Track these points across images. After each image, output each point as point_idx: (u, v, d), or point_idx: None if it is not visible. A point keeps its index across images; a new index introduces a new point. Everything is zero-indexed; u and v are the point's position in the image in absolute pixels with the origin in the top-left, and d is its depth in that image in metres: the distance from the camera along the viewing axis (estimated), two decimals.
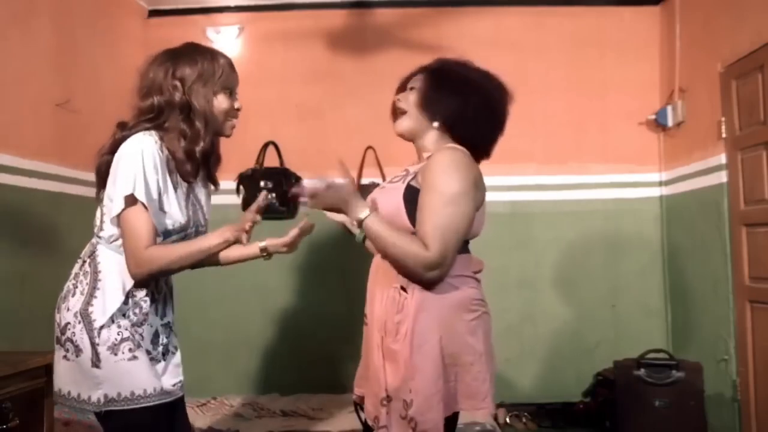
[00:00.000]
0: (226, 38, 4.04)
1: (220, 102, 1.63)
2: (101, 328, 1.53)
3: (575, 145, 3.98)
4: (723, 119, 3.25)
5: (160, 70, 1.60)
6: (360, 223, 1.59)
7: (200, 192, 1.75)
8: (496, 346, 1.69)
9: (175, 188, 1.61)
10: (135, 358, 1.56)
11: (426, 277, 1.54)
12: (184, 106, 1.58)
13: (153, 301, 1.62)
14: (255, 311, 3.92)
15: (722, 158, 3.28)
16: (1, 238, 2.68)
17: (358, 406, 1.74)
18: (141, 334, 1.58)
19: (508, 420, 3.65)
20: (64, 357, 1.57)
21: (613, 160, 3.95)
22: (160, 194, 1.55)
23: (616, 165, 3.95)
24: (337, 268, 3.87)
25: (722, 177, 3.28)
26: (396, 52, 3.81)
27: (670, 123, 3.71)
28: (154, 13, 3.98)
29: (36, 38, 2.95)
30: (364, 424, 1.73)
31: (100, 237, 1.60)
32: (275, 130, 3.96)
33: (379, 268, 1.68)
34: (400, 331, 1.56)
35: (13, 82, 2.77)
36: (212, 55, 1.65)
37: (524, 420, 3.66)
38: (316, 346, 3.88)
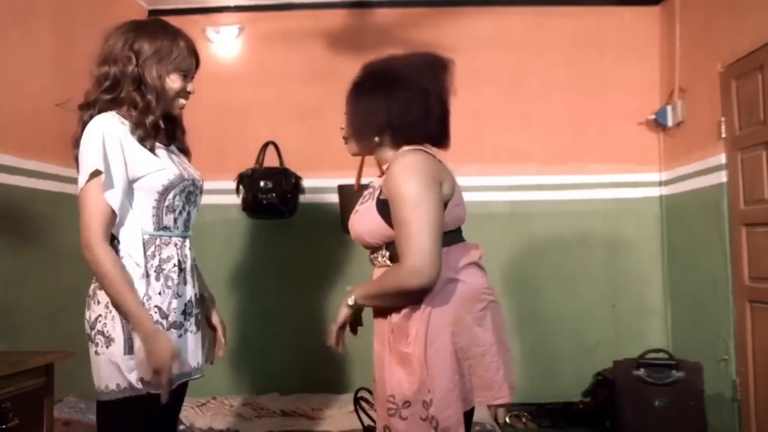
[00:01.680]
0: (226, 38, 4.05)
1: (173, 81, 1.66)
2: None
3: (575, 145, 3.98)
4: (723, 119, 3.25)
5: (120, 40, 1.63)
6: (354, 305, 1.66)
7: (183, 158, 1.79)
8: None
9: (153, 150, 1.63)
10: None
11: (417, 285, 1.52)
12: (135, 78, 1.61)
13: (181, 270, 1.64)
14: (255, 311, 3.93)
15: (722, 158, 3.28)
16: (1, 237, 2.68)
17: (358, 405, 1.74)
18: (174, 310, 1.61)
19: (508, 420, 3.65)
20: (95, 352, 1.57)
21: (613, 160, 3.96)
22: (127, 168, 1.56)
23: (616, 165, 3.95)
24: (337, 268, 3.87)
25: (722, 177, 3.28)
26: (396, 52, 3.80)
27: (669, 123, 3.71)
28: (153, 13, 3.98)
29: (36, 38, 2.95)
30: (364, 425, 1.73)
31: None
32: (275, 130, 3.97)
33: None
34: (410, 333, 1.55)
35: (13, 82, 2.77)
36: (174, 35, 1.68)
37: (524, 420, 3.66)
38: (316, 346, 3.84)
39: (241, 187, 3.82)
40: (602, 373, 3.66)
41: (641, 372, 3.17)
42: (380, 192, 1.63)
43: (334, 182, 3.81)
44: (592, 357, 3.79)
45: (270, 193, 3.73)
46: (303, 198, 3.90)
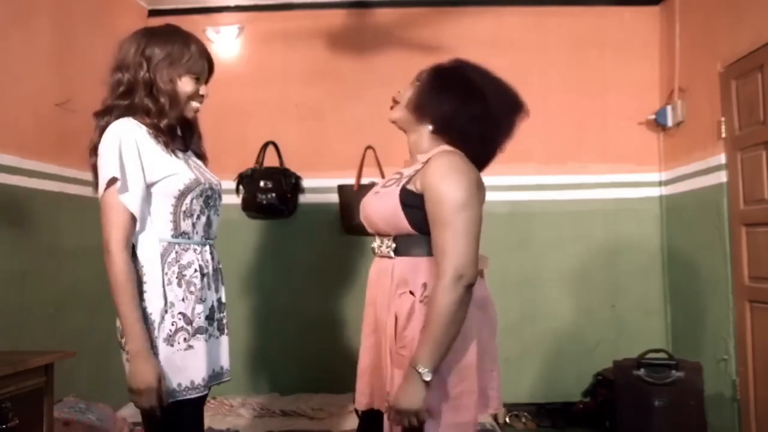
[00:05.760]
0: (226, 38, 4.05)
1: (184, 84, 1.67)
2: (158, 320, 1.55)
3: (575, 145, 3.98)
4: (723, 119, 3.25)
5: (132, 46, 1.65)
6: (427, 378, 1.46)
7: (201, 164, 1.80)
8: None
9: (173, 153, 1.64)
10: (191, 347, 1.59)
11: (463, 288, 1.48)
12: (147, 83, 1.62)
13: (203, 275, 1.64)
14: (255, 311, 3.93)
15: (722, 158, 3.28)
16: (1, 237, 2.68)
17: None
18: (198, 316, 1.60)
19: (508, 420, 3.65)
20: (126, 360, 1.56)
21: (613, 160, 3.96)
22: (144, 172, 1.56)
23: (616, 165, 3.95)
24: (337, 268, 3.87)
25: (722, 177, 3.28)
26: (396, 52, 3.81)
27: (669, 123, 3.71)
28: (153, 12, 3.99)
29: (36, 38, 2.95)
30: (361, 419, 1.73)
31: None
32: (275, 130, 3.97)
33: (380, 272, 1.66)
34: (407, 336, 1.53)
35: (13, 82, 2.77)
36: (186, 39, 1.69)
37: (524, 420, 3.66)
38: (316, 346, 3.88)
39: (241, 187, 3.82)
40: (602, 373, 3.66)
41: (641, 372, 3.17)
42: (407, 181, 1.59)
43: (334, 182, 3.82)
44: (592, 357, 3.79)
45: (270, 192, 3.73)
46: (303, 198, 3.90)
